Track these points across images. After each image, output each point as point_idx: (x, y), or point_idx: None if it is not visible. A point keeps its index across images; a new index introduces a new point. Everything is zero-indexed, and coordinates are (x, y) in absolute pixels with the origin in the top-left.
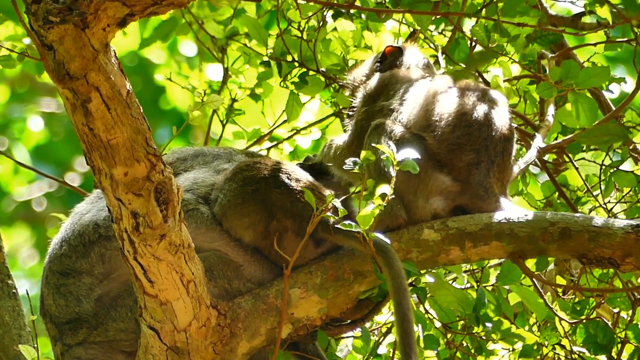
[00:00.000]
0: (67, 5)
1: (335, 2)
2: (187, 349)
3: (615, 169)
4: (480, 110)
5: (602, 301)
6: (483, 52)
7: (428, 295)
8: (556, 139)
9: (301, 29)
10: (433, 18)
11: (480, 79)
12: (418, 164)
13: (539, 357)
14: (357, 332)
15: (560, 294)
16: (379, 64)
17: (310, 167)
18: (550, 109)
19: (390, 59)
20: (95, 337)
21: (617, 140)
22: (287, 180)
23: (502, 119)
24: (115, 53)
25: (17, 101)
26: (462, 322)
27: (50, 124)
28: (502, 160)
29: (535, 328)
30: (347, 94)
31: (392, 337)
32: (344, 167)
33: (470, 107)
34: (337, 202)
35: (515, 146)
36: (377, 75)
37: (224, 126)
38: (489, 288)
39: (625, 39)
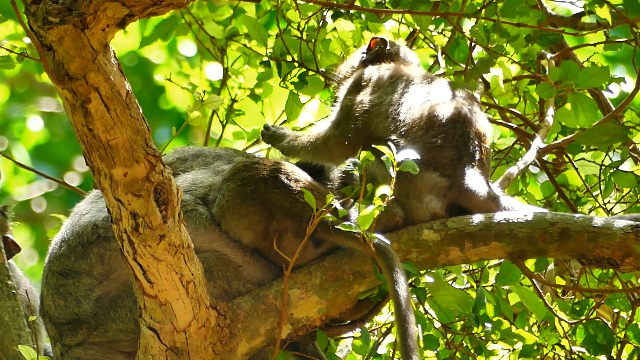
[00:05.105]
0: (66, 5)
1: (335, 2)
2: (186, 350)
3: (614, 169)
4: (453, 108)
5: (602, 301)
6: (484, 60)
7: (428, 296)
8: (556, 139)
9: (301, 29)
10: (433, 18)
11: (481, 80)
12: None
13: (538, 357)
14: (357, 332)
15: (560, 294)
16: (364, 55)
17: (307, 167)
18: (550, 109)
19: (375, 49)
20: (94, 338)
21: (616, 141)
22: (286, 181)
23: (476, 116)
24: (114, 53)
25: (17, 101)
26: (461, 322)
27: (50, 124)
28: (481, 155)
29: (535, 328)
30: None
31: (391, 337)
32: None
33: (442, 107)
34: (337, 203)
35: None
36: (364, 68)
37: (223, 126)
38: (489, 288)
39: (625, 39)
